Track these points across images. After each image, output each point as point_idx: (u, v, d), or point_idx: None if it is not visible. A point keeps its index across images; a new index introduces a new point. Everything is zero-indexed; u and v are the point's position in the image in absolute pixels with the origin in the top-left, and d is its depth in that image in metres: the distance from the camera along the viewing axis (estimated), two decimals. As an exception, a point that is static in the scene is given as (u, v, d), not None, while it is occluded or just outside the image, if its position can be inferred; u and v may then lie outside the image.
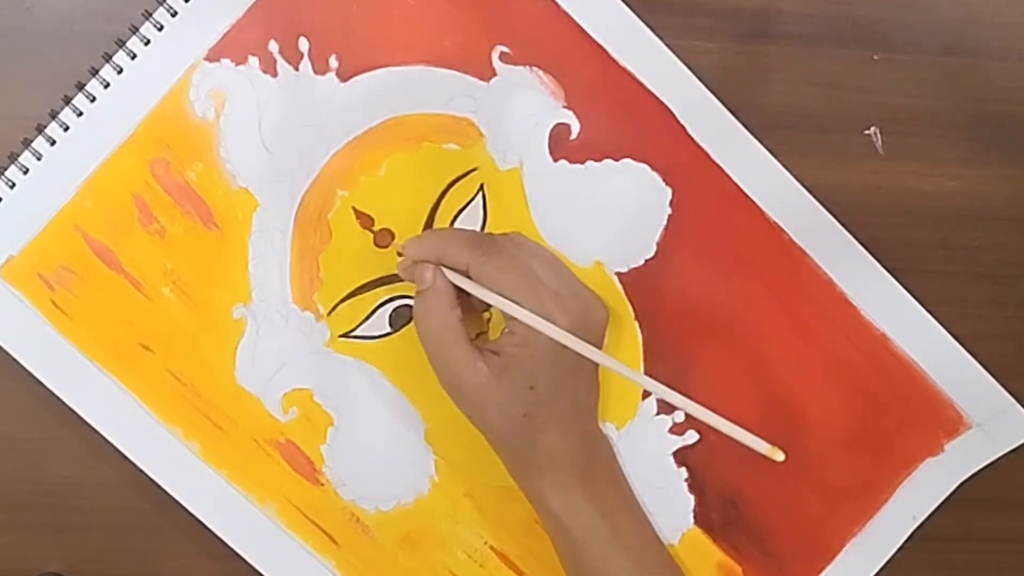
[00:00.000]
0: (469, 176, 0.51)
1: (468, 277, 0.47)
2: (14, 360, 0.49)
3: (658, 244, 0.52)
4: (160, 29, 0.48)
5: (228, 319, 0.51)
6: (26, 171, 0.49)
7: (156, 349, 0.50)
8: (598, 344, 0.49)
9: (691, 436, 0.54)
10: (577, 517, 0.49)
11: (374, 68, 0.50)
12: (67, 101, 0.49)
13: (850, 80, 0.53)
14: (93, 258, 0.50)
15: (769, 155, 0.52)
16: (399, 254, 0.51)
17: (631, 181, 0.52)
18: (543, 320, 0.46)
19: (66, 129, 0.49)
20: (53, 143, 0.49)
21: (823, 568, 0.55)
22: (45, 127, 0.49)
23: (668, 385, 0.44)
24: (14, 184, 0.49)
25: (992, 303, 0.55)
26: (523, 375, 0.47)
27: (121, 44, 0.49)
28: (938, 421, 0.54)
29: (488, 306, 0.50)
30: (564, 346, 0.46)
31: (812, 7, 0.52)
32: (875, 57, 0.53)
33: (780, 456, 0.40)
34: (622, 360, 0.52)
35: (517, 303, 0.46)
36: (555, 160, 0.52)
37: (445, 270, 0.48)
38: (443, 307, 0.48)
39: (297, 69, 0.50)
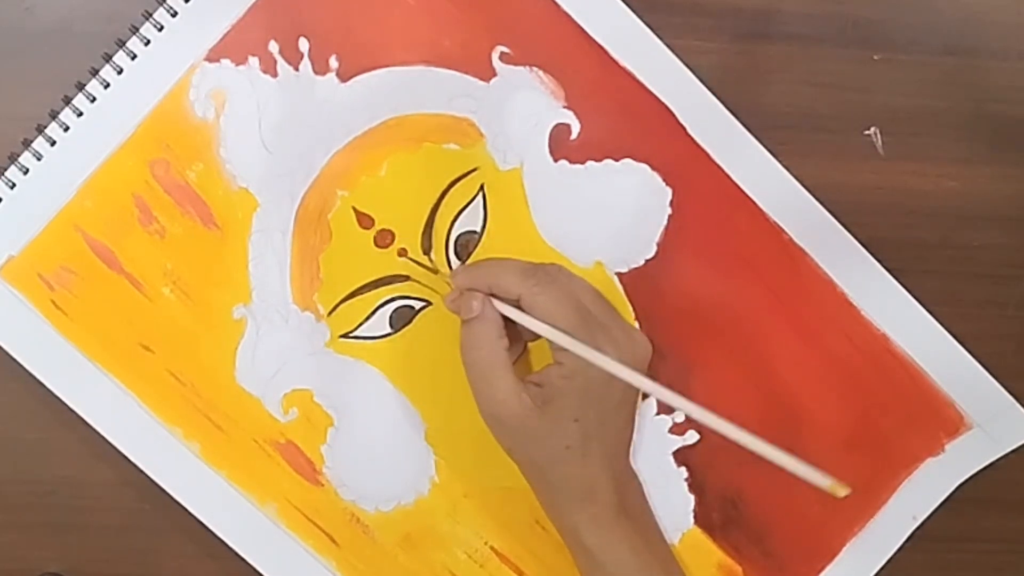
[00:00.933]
0: (469, 176, 0.51)
1: (517, 307, 0.47)
2: (14, 360, 0.49)
3: (658, 244, 0.52)
4: (160, 29, 0.48)
5: (228, 319, 0.51)
6: (26, 171, 0.49)
7: (156, 349, 0.50)
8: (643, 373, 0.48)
9: (691, 436, 0.54)
10: (611, 553, 0.48)
11: (374, 68, 0.50)
12: (67, 101, 0.49)
13: (850, 80, 0.53)
14: (93, 258, 0.50)
15: (769, 155, 0.52)
16: (399, 253, 0.51)
17: (631, 181, 0.52)
18: (596, 352, 0.45)
19: (66, 129, 0.49)
20: (53, 143, 0.49)
21: (823, 568, 0.55)
22: (45, 127, 0.49)
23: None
24: (14, 184, 0.49)
25: (992, 303, 0.55)
26: (569, 408, 0.47)
27: (121, 44, 0.48)
28: (938, 421, 0.54)
29: (532, 338, 0.50)
30: (611, 380, 0.46)
31: (812, 7, 0.52)
32: (875, 57, 0.53)
33: (843, 492, 0.40)
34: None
35: (569, 334, 0.46)
36: (555, 160, 0.52)
37: (494, 300, 0.48)
38: (491, 337, 0.48)
39: (297, 69, 0.50)
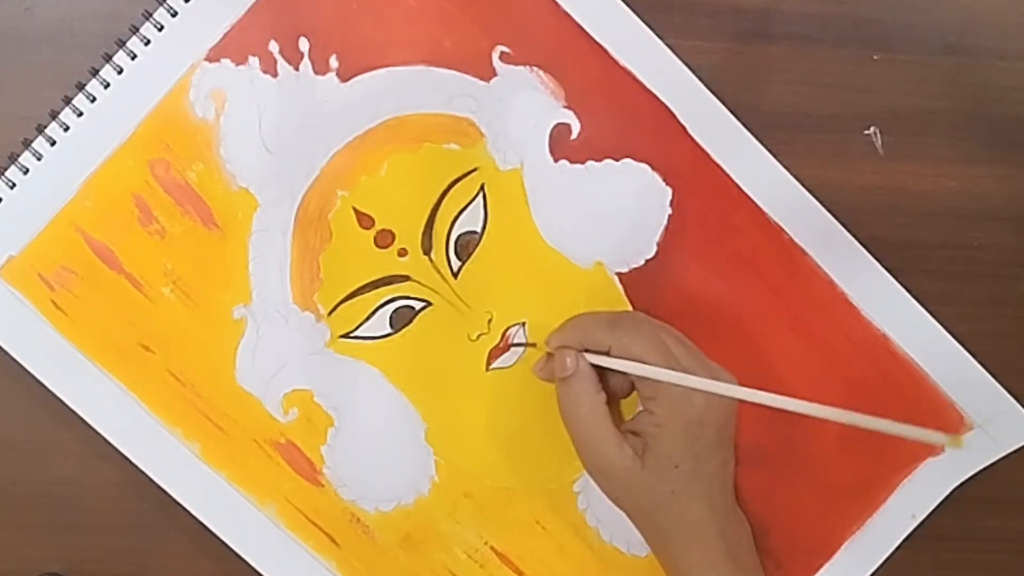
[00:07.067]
0: (470, 176, 0.51)
1: (607, 356, 0.48)
2: (14, 360, 0.49)
3: (658, 244, 0.53)
4: (160, 29, 0.48)
5: (228, 319, 0.51)
6: (26, 171, 0.49)
7: (156, 349, 0.50)
8: (732, 412, 0.49)
9: (691, 436, 0.54)
10: None
11: (374, 68, 0.50)
12: (67, 101, 0.49)
13: (850, 80, 0.53)
14: (93, 258, 0.50)
15: (769, 155, 0.52)
16: (400, 253, 0.51)
17: (631, 181, 0.52)
18: (693, 376, 0.46)
19: (66, 129, 0.49)
20: (53, 143, 0.49)
21: (821, 566, 0.55)
22: (45, 127, 0.49)
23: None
24: (14, 184, 0.49)
25: (992, 303, 0.55)
26: (666, 454, 0.47)
27: (121, 44, 0.48)
28: (939, 422, 0.54)
29: (625, 394, 0.51)
30: (701, 421, 0.47)
31: (812, 7, 0.52)
32: (875, 57, 0.53)
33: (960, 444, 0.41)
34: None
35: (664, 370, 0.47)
36: (556, 160, 0.52)
37: (587, 355, 0.48)
38: (590, 391, 0.48)
39: (297, 69, 0.50)
